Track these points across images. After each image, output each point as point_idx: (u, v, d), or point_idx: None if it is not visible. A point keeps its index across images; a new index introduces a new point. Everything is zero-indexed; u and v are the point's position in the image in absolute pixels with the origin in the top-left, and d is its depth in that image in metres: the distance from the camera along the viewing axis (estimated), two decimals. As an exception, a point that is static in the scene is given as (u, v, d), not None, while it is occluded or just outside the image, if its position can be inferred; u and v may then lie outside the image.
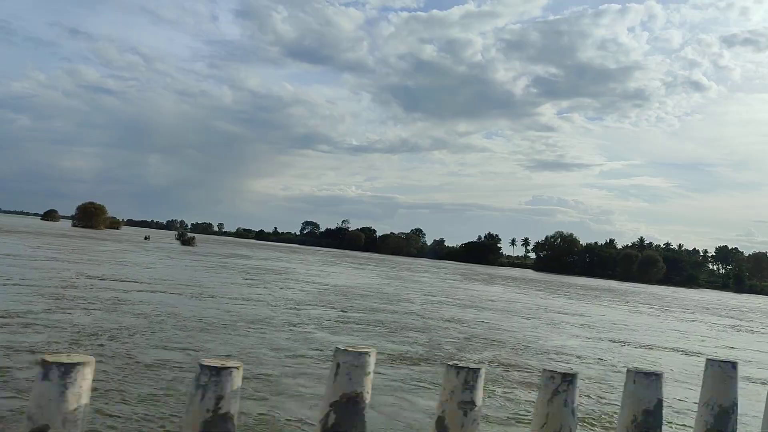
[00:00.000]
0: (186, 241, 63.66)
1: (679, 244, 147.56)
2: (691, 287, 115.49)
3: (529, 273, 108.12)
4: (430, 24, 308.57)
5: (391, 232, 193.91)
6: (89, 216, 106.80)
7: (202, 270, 27.84)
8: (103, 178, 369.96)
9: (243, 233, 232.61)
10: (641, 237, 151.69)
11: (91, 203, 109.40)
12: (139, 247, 46.84)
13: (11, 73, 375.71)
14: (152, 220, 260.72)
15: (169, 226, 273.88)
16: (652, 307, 35.76)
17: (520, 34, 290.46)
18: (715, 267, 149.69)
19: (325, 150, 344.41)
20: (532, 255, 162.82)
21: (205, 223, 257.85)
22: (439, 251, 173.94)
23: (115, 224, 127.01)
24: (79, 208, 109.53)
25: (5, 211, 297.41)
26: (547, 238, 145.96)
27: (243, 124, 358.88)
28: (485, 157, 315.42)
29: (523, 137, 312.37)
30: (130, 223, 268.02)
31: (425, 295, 26.31)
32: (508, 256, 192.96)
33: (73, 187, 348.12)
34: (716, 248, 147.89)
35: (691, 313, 33.86)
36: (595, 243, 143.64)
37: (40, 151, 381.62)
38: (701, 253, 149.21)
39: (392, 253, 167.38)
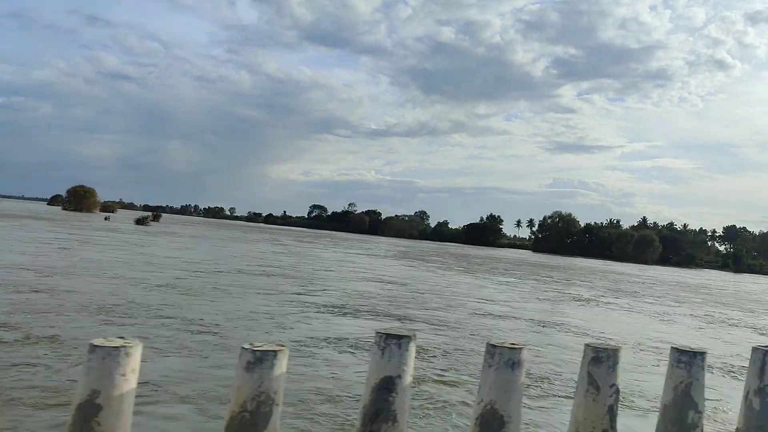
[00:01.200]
0: (140, 221, 63.72)
1: (684, 224, 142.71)
2: (688, 267, 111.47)
3: (524, 254, 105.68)
4: (447, 6, 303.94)
5: (396, 215, 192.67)
6: (78, 199, 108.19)
7: (52, 241, 27.07)
8: (122, 164, 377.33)
9: (253, 217, 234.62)
10: (644, 217, 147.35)
11: (81, 186, 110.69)
12: (75, 227, 46.42)
13: (32, 62, 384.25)
14: (167, 205, 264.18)
15: (183, 210, 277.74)
16: (557, 282, 33.91)
17: (538, 14, 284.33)
18: (723, 247, 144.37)
19: (343, 134, 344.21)
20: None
21: (216, 207, 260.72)
22: (441, 233, 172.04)
23: (109, 207, 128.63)
24: (68, 192, 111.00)
25: (28, 198, 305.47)
26: (545, 218, 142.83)
27: (261, 109, 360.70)
28: (505, 139, 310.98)
29: (543, 119, 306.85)
30: (146, 208, 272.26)
31: (282, 267, 25.20)
32: (520, 238, 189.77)
33: (94, 173, 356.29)
34: (723, 228, 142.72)
35: (572, 285, 31.71)
36: (595, 223, 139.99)
37: (61, 139, 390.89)
38: (708, 233, 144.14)
39: (395, 236, 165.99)
